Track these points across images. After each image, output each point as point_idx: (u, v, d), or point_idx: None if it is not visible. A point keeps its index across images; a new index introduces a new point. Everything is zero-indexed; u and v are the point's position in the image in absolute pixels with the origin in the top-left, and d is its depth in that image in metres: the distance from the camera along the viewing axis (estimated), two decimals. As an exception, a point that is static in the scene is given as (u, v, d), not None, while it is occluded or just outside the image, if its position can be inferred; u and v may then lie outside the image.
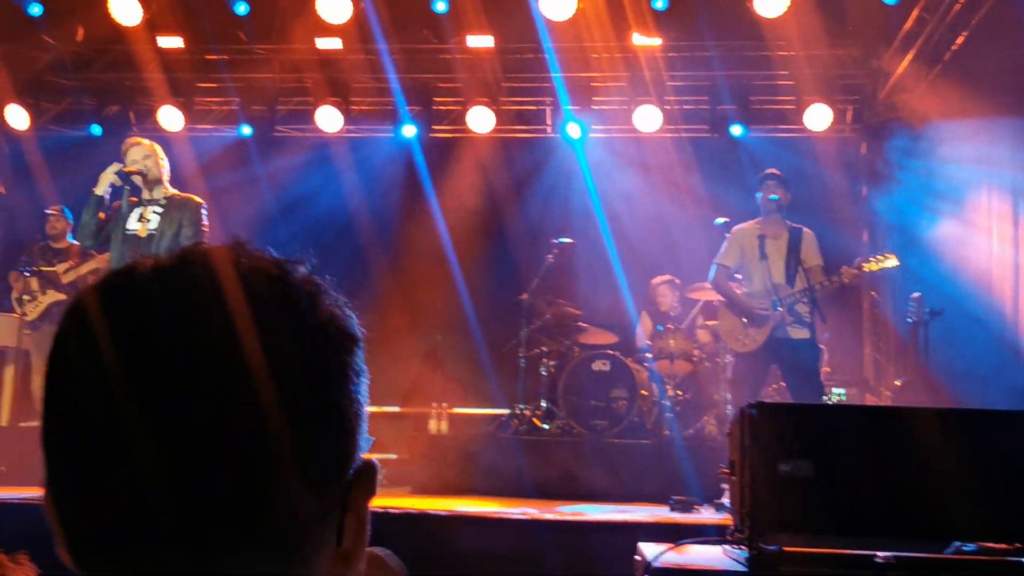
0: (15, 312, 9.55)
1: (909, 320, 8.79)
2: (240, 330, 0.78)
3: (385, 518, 5.59)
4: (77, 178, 11.27)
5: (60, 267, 9.56)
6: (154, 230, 6.78)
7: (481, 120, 11.24)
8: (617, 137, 11.74)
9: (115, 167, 6.83)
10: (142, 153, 6.91)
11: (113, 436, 0.74)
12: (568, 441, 8.51)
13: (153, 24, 10.43)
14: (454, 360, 11.88)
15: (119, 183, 6.82)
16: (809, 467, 3.66)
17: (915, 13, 9.88)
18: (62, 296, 9.45)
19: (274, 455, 0.76)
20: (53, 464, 0.79)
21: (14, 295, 9.56)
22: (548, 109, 11.88)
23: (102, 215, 7.02)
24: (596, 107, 11.42)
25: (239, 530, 0.75)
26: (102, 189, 6.85)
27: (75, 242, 9.78)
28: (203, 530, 0.74)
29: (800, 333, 7.65)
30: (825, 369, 9.34)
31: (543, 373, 9.48)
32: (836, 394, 9.76)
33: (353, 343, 0.89)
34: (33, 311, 9.40)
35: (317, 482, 0.80)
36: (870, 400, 10.10)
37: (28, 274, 9.50)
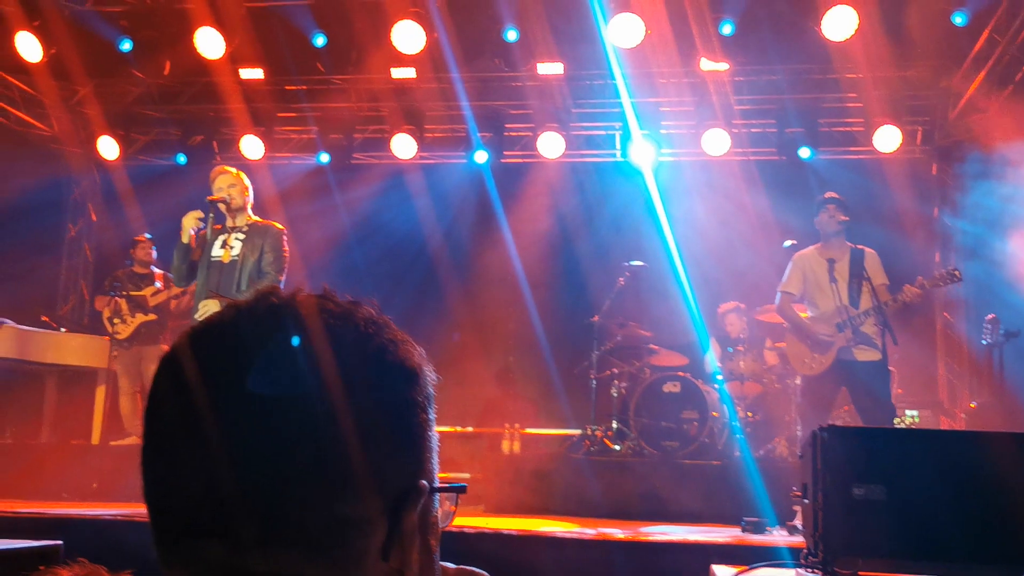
0: (106, 333, 9.87)
1: (984, 342, 8.62)
2: (318, 369, 0.85)
3: (459, 537, 5.63)
4: (163, 205, 11.64)
5: (147, 291, 9.85)
6: (237, 256, 6.88)
7: (551, 145, 11.33)
8: (685, 161, 11.72)
9: (196, 213, 6.91)
10: (228, 182, 7.04)
11: (191, 455, 0.84)
12: (639, 462, 8.48)
13: (235, 57, 10.70)
14: (526, 381, 11.93)
15: (200, 226, 6.92)
16: (883, 491, 3.63)
17: (985, 34, 9.73)
18: (151, 317, 9.76)
19: (310, 462, 0.83)
20: (144, 479, 0.88)
21: (105, 315, 9.88)
22: (617, 134, 11.91)
23: (194, 254, 7.24)
24: (664, 131, 11.44)
25: (268, 530, 0.82)
26: (187, 237, 6.93)
27: (159, 271, 10.08)
28: (236, 528, 0.82)
29: (869, 355, 7.51)
30: (897, 391, 9.20)
31: (614, 394, 9.48)
32: (909, 416, 9.60)
33: (413, 377, 0.93)
34: (124, 331, 9.74)
35: (352, 490, 0.85)
36: (944, 422, 9.90)
37: (118, 296, 9.83)
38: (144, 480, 0.88)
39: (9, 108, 11.94)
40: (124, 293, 9.86)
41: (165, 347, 9.77)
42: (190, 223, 6.84)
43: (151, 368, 9.87)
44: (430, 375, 0.96)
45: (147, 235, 10.28)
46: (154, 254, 10.18)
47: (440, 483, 0.97)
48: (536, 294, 11.70)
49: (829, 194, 7.97)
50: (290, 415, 0.83)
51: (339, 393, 0.86)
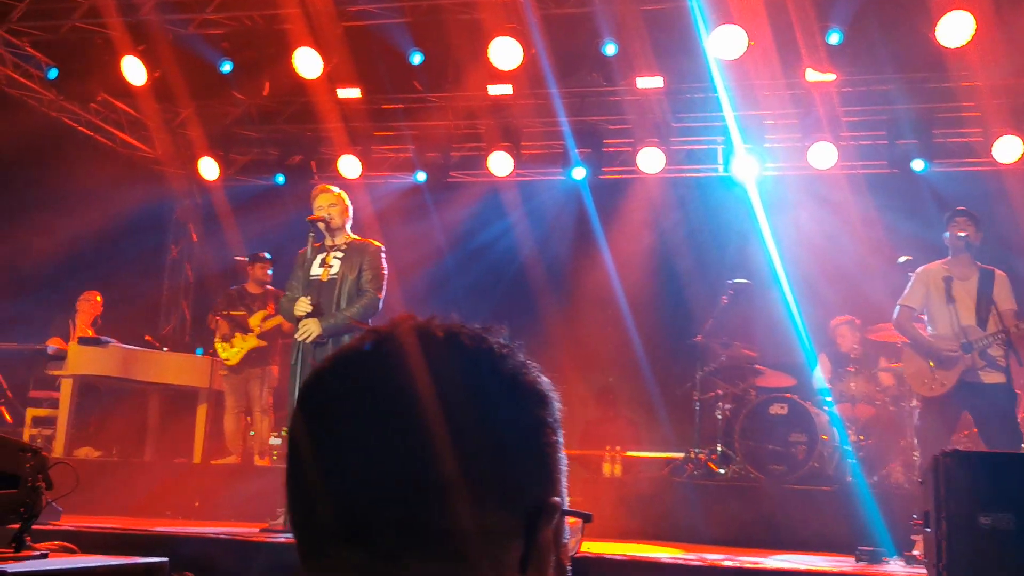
0: (217, 352, 10.12)
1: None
2: (459, 387, 0.91)
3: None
4: (262, 226, 11.93)
5: (258, 316, 10.06)
6: (336, 275, 6.99)
7: (651, 161, 11.26)
8: (791, 175, 11.54)
9: (305, 303, 6.87)
10: (328, 201, 7.14)
11: (336, 467, 0.90)
12: (745, 486, 8.34)
13: (332, 76, 10.88)
14: (627, 403, 11.88)
15: (306, 314, 6.88)
16: (1011, 520, 3.50)
17: (1113, 36, 9.38)
18: (259, 343, 10.01)
19: (441, 472, 0.88)
20: (288, 488, 0.95)
21: (218, 335, 10.13)
22: (719, 148, 11.80)
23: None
24: (768, 144, 11.28)
25: (410, 539, 0.87)
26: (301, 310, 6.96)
27: (272, 289, 10.27)
28: (379, 537, 0.88)
29: (994, 377, 7.25)
30: (1022, 415, 8.87)
31: (718, 416, 9.36)
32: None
33: (545, 400, 0.99)
34: (232, 356, 9.99)
35: (491, 502, 0.90)
36: (1072, 448, 9.51)
37: (221, 316, 10.09)
38: (289, 489, 0.94)
39: (115, 131, 12.40)
40: (225, 312, 10.10)
41: (274, 368, 10.00)
42: (302, 308, 6.87)
43: (257, 389, 10.10)
44: (557, 400, 1.01)
45: (266, 254, 10.43)
46: (268, 273, 10.41)
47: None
48: (636, 313, 11.66)
49: (959, 208, 7.72)
50: (434, 429, 0.88)
51: (479, 410, 0.91)
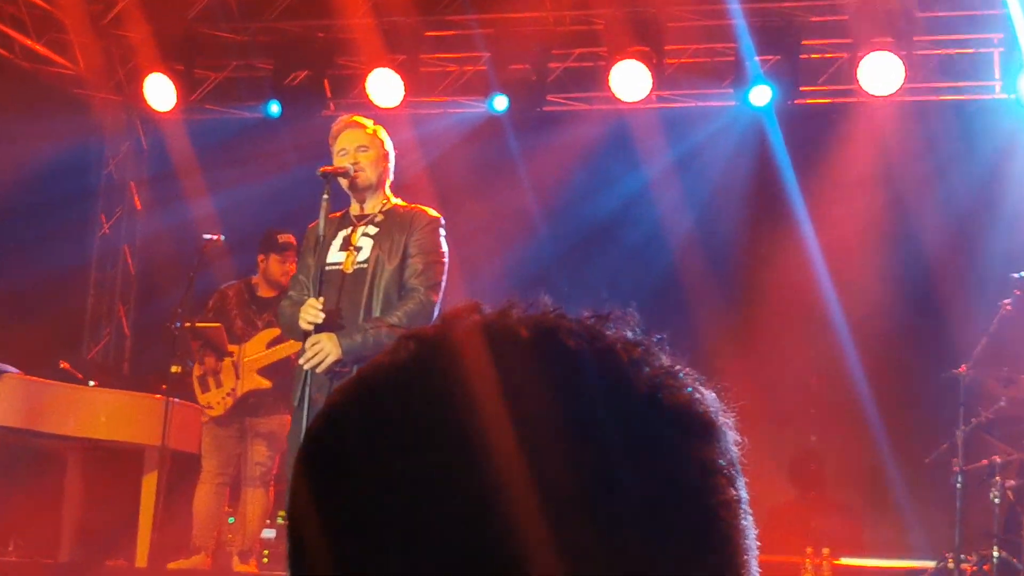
0: (196, 394, 10.12)
1: None
2: (555, 425, 0.91)
3: None
4: (245, 184, 11.99)
5: (260, 338, 9.95)
6: (365, 262, 6.97)
7: (882, 76, 11.19)
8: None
9: (316, 308, 6.83)
10: (357, 141, 7.08)
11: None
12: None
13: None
14: (839, 478, 11.75)
15: (320, 319, 6.84)
16: None
17: None
18: (262, 384, 9.87)
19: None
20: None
21: (196, 372, 10.16)
22: (995, 54, 11.61)
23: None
24: None
25: None
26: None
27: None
28: None
29: None
30: None
31: (995, 500, 9.20)
32: None
33: (707, 430, 0.98)
34: (217, 404, 9.94)
35: None
36: None
37: (200, 334, 10.07)
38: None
39: (12, 33, 12.51)
40: (188, 324, 10.09)
41: (286, 418, 9.73)
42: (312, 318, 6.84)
43: (259, 448, 9.97)
44: (730, 430, 1.00)
45: (287, 238, 10.04)
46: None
47: None
48: (855, 327, 11.56)
49: None
50: (517, 493, 0.88)
51: (595, 456, 0.90)
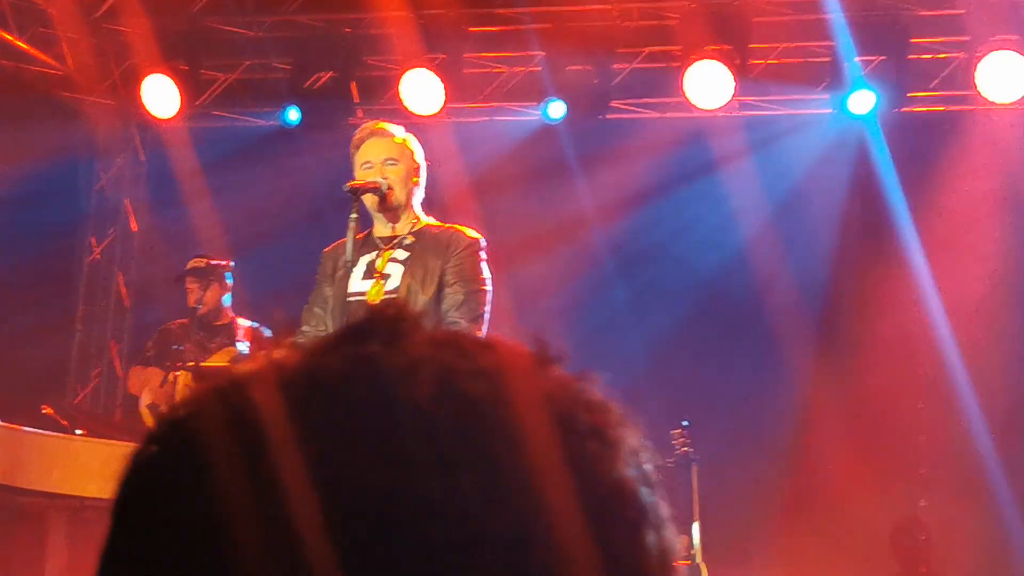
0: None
1: None
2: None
3: None
4: (261, 200, 11.92)
5: (219, 357, 10.00)
6: (395, 291, 6.95)
7: (1008, 77, 11.05)
8: None
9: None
10: (385, 153, 7.05)
11: None
12: None
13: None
14: (952, 550, 11.57)
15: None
16: None
17: None
18: None
19: None
20: None
21: (143, 402, 10.11)
22: None
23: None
24: None
25: None
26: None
27: (246, 322, 10.24)
28: None
29: None
30: None
31: None
32: None
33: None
34: None
35: None
36: None
37: (174, 369, 9.99)
38: None
39: (-9, 27, 12.51)
40: (188, 364, 10.00)
41: None
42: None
43: None
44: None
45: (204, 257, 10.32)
46: (227, 291, 10.41)
47: None
48: (977, 374, 11.44)
49: None
50: None
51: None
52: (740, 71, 11.47)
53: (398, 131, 7.16)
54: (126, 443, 10.58)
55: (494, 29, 12.43)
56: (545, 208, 12.40)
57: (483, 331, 6.76)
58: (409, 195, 7.04)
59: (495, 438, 0.96)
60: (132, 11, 12.40)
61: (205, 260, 10.42)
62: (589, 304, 12.14)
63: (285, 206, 12.10)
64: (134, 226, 13.90)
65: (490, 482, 0.95)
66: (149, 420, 10.11)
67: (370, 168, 6.99)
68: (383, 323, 1.03)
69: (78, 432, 10.83)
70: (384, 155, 7.02)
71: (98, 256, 13.86)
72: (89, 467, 10.09)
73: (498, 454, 0.96)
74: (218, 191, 12.43)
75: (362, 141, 7.12)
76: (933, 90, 11.99)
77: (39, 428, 10.42)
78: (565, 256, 12.21)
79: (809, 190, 12.31)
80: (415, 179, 7.08)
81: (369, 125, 7.28)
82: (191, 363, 10.10)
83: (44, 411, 11.08)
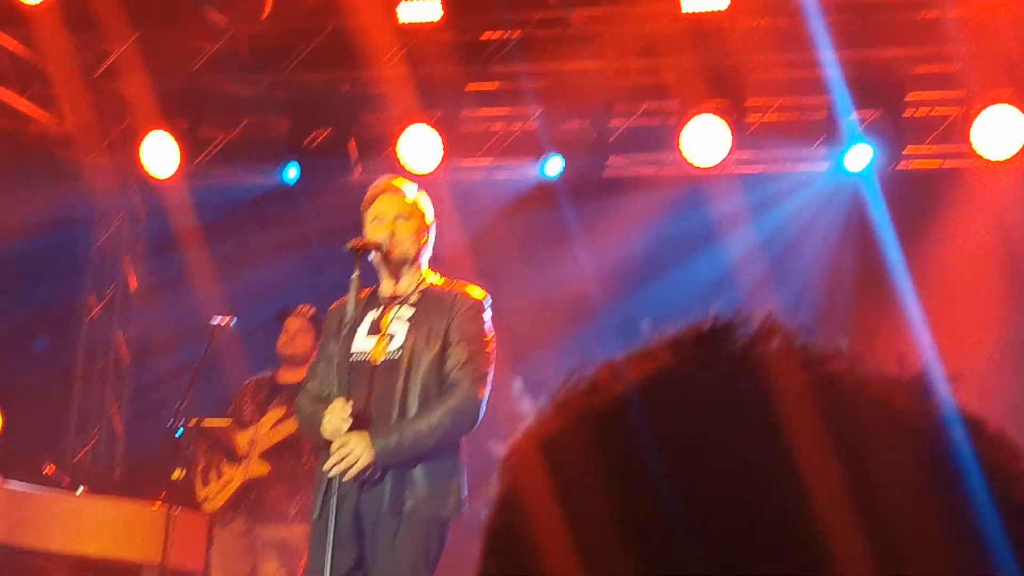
0: (197, 491, 10.13)
1: None
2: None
3: None
4: (260, 261, 12.11)
5: (270, 417, 10.06)
6: (399, 351, 7.00)
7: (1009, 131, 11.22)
8: None
9: (342, 410, 6.83)
10: (395, 209, 7.19)
11: None
12: None
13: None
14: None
15: (347, 424, 6.81)
16: None
17: None
18: (260, 470, 9.79)
19: None
20: None
21: (199, 466, 10.25)
22: None
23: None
24: None
25: None
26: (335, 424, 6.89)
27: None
28: None
29: None
30: None
31: None
32: None
33: None
34: (214, 496, 9.99)
35: None
36: None
37: (181, 434, 10.07)
38: None
39: (-11, 85, 12.67)
40: (196, 424, 10.06)
41: (300, 527, 9.59)
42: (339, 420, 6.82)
43: (270, 561, 9.90)
44: None
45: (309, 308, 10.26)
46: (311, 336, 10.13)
47: None
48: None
49: None
50: None
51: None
52: (737, 127, 11.59)
53: (410, 189, 7.28)
54: (128, 501, 10.66)
55: (491, 86, 12.63)
56: (542, 265, 12.52)
57: (485, 391, 6.92)
58: (418, 253, 7.15)
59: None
60: (131, 69, 12.62)
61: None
62: (583, 357, 12.09)
63: (284, 264, 12.35)
64: (133, 284, 14.11)
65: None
66: (199, 488, 10.19)
67: (380, 223, 7.08)
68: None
69: (80, 489, 10.94)
70: (395, 211, 7.12)
71: (97, 314, 14.01)
72: (89, 525, 10.24)
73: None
74: (217, 249, 12.64)
75: (375, 197, 7.22)
76: (930, 144, 12.15)
77: (40, 486, 10.53)
78: (562, 313, 12.33)
79: (808, 248, 12.49)
80: (424, 238, 7.20)
81: (382, 181, 7.36)
82: (193, 420, 10.18)
83: (46, 470, 11.19)
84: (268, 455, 10.02)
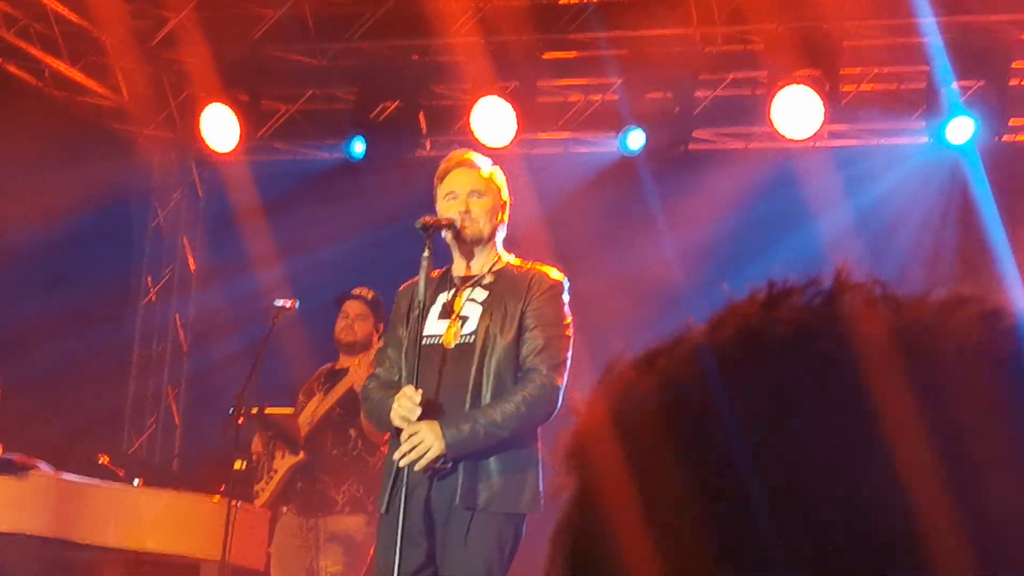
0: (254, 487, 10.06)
1: None
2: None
3: None
4: (324, 240, 11.98)
5: (313, 403, 9.93)
6: (473, 335, 6.87)
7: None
8: None
9: (411, 397, 6.66)
10: (469, 185, 7.01)
11: None
12: None
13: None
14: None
15: (416, 413, 6.65)
16: None
17: None
18: (295, 458, 9.75)
19: None
20: None
21: (255, 449, 10.20)
22: None
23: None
24: None
25: None
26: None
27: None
28: None
29: None
30: None
31: None
32: None
33: None
34: (263, 488, 9.85)
35: None
36: None
37: (241, 419, 9.96)
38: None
39: (40, 55, 12.56)
40: (253, 409, 9.95)
41: (355, 519, 9.58)
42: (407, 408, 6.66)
43: (332, 554, 9.75)
44: None
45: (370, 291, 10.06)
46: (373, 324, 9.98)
47: None
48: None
49: None
50: None
51: None
52: (830, 98, 11.34)
53: (486, 164, 7.10)
54: (186, 494, 10.62)
55: (569, 55, 12.42)
56: (623, 244, 12.37)
57: (564, 379, 6.77)
58: (493, 231, 6.99)
59: None
60: (190, 39, 12.47)
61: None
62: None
63: (350, 243, 12.15)
64: (191, 266, 13.99)
65: None
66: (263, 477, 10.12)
67: (454, 199, 6.93)
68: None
69: (136, 482, 10.86)
70: (470, 187, 6.96)
71: (154, 298, 13.95)
72: (146, 519, 10.15)
73: None
74: (279, 228, 12.54)
75: (448, 171, 7.06)
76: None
77: (94, 478, 10.42)
78: (644, 294, 12.10)
79: (905, 226, 12.28)
80: (500, 216, 7.04)
81: (456, 155, 7.21)
82: (255, 408, 10.17)
83: (100, 461, 11.06)
84: (309, 440, 9.92)
